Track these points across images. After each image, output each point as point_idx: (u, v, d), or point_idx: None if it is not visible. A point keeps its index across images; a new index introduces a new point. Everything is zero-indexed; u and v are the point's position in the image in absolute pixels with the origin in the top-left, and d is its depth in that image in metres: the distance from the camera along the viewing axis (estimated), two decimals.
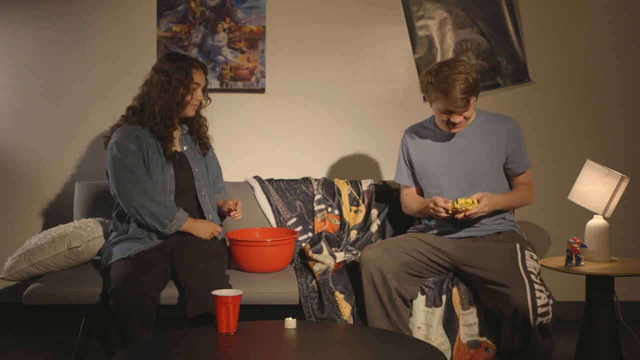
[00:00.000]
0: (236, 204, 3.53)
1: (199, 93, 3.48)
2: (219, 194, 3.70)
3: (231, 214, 3.54)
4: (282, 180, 3.99)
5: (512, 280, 3.13)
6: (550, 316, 3.11)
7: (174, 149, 3.50)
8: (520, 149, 3.50)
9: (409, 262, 3.29)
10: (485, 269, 3.22)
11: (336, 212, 3.92)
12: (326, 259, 3.51)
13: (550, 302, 3.12)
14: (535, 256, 3.28)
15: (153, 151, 3.43)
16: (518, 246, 3.28)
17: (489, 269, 3.20)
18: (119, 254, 3.32)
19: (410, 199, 3.57)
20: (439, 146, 3.48)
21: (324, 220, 3.89)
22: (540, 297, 3.09)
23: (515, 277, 3.13)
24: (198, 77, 3.46)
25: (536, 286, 3.11)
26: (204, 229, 3.45)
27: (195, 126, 3.59)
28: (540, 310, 3.08)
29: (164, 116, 3.42)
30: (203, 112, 3.62)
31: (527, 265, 3.18)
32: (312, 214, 3.91)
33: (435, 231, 3.45)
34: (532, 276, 3.14)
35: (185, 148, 3.55)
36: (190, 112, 3.50)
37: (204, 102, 3.55)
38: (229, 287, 3.21)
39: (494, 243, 3.36)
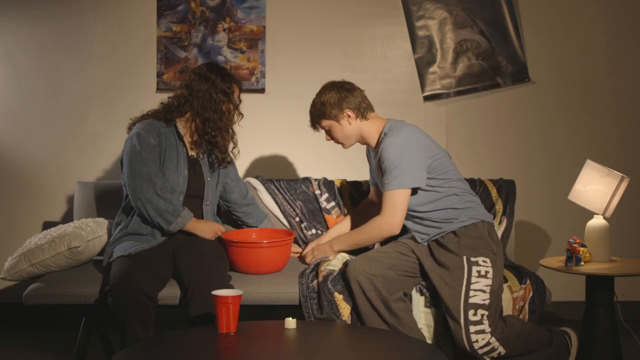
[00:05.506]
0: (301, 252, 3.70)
1: (233, 109, 3.50)
2: (263, 223, 3.77)
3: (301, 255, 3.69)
4: (282, 180, 3.99)
5: (450, 315, 3.16)
6: (500, 350, 3.12)
7: (190, 153, 3.51)
8: (383, 170, 3.30)
9: (397, 264, 3.29)
10: (436, 287, 3.23)
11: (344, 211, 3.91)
12: (339, 263, 3.48)
13: (492, 340, 3.10)
14: (484, 269, 3.20)
15: (171, 150, 3.44)
16: (465, 261, 3.21)
17: (438, 289, 3.22)
18: (120, 252, 3.33)
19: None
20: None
21: (339, 217, 3.86)
22: (477, 341, 3.10)
23: (454, 312, 3.14)
24: (236, 93, 3.50)
25: (472, 328, 3.11)
26: (206, 229, 3.46)
27: (226, 140, 3.55)
28: (481, 351, 3.12)
29: (212, 125, 3.43)
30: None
31: (471, 294, 3.15)
32: (314, 213, 3.90)
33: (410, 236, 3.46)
34: (471, 313, 3.12)
35: (201, 155, 3.55)
36: (225, 125, 3.50)
37: (236, 117, 3.56)
38: (231, 287, 3.21)
39: (446, 255, 3.27)
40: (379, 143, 3.39)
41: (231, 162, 3.65)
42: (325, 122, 3.43)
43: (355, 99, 3.40)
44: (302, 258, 3.66)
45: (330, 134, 3.47)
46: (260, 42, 4.33)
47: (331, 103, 3.38)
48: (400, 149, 3.28)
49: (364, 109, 3.41)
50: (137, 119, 3.49)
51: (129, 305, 3.08)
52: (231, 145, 3.58)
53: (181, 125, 3.49)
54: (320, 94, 3.44)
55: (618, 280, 3.61)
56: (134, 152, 3.37)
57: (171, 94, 3.54)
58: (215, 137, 3.47)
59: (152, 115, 3.48)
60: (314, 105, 3.45)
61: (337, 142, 3.49)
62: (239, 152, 3.63)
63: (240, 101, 3.55)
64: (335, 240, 3.51)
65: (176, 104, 3.47)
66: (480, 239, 3.28)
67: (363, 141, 3.48)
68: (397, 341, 2.80)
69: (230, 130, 3.55)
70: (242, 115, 3.58)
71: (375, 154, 3.43)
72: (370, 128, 3.43)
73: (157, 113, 3.49)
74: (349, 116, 3.40)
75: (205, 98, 3.42)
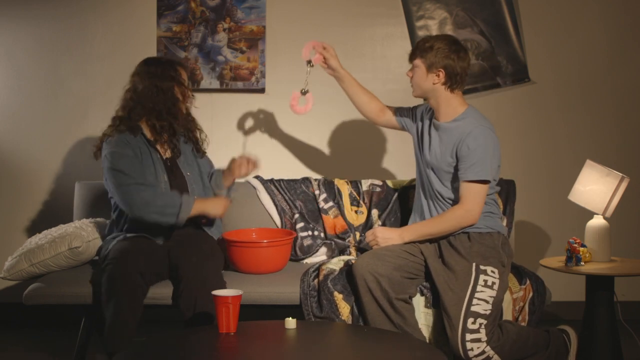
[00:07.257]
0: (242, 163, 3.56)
1: (185, 90, 3.47)
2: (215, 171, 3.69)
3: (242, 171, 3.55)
4: (282, 180, 3.99)
5: (449, 321, 3.15)
6: (495, 358, 3.12)
7: (165, 156, 3.48)
8: (469, 157, 3.26)
9: (403, 265, 3.28)
10: (440, 291, 3.22)
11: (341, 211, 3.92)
12: (340, 262, 3.48)
13: (487, 348, 3.10)
14: (491, 280, 3.19)
15: (146, 158, 3.41)
16: (474, 268, 3.22)
17: (442, 293, 3.21)
18: (118, 239, 3.35)
19: None
20: (425, 130, 3.46)
21: (337, 217, 3.87)
22: (472, 349, 3.10)
23: (454, 319, 3.14)
24: (183, 74, 3.47)
25: (468, 336, 3.10)
26: (216, 205, 3.41)
27: (190, 128, 3.56)
28: (476, 359, 3.12)
29: (168, 116, 3.40)
30: (196, 115, 3.60)
31: (474, 302, 3.14)
32: (312, 213, 3.90)
33: None
34: (470, 321, 3.12)
35: (177, 153, 3.52)
36: (182, 109, 3.48)
37: (191, 97, 3.52)
38: (224, 284, 3.21)
39: (455, 257, 3.27)
40: (454, 120, 3.31)
41: (205, 154, 3.64)
42: (418, 61, 3.32)
43: (456, 68, 3.28)
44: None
45: (412, 72, 3.37)
46: (260, 42, 4.33)
47: (436, 52, 3.27)
48: (491, 142, 3.26)
49: (455, 83, 3.30)
50: (102, 137, 3.42)
51: (122, 280, 3.09)
52: (197, 132, 3.57)
53: (147, 131, 3.45)
54: (437, 37, 3.35)
55: (618, 280, 3.61)
56: (113, 169, 3.32)
57: None
58: (173, 125, 3.42)
59: (114, 130, 3.41)
60: (424, 42, 3.32)
61: (411, 83, 3.39)
62: (206, 136, 3.62)
63: (188, 81, 3.52)
64: (406, 231, 3.38)
65: (128, 112, 3.41)
66: (493, 249, 3.28)
67: (431, 102, 3.38)
68: (397, 341, 2.80)
69: (191, 117, 3.52)
70: (194, 96, 3.53)
71: (439, 125, 3.35)
72: (448, 100, 3.33)
73: (119, 127, 3.42)
74: (438, 76, 3.30)
75: (152, 93, 3.37)
